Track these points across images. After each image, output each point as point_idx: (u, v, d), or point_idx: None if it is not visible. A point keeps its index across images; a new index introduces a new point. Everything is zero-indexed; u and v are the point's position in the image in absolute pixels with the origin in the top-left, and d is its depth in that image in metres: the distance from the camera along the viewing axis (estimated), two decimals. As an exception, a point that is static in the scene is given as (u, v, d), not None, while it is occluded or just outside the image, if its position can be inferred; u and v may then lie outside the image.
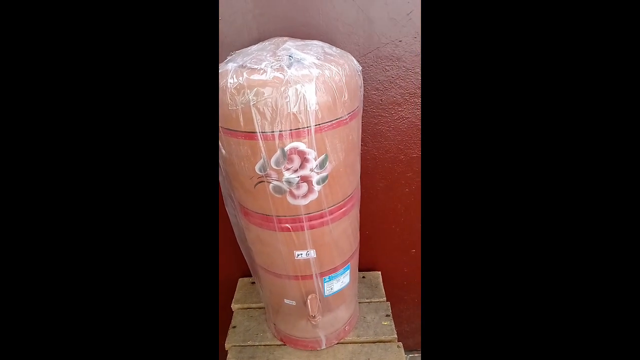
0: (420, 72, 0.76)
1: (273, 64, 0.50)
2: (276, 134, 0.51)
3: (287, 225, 0.61)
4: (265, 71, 0.50)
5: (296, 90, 0.49)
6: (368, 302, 0.90)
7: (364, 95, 0.76)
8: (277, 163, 0.54)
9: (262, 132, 0.51)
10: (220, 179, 0.64)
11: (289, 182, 0.56)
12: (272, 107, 0.49)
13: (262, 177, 0.56)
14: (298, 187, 0.56)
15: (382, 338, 0.81)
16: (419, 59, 0.74)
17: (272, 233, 0.62)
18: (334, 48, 0.58)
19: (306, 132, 0.52)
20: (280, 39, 0.57)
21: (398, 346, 0.80)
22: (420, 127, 0.82)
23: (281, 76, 0.49)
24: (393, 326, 0.84)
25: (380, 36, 0.72)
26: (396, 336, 0.82)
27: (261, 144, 0.52)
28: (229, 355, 0.79)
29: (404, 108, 0.80)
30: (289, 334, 0.79)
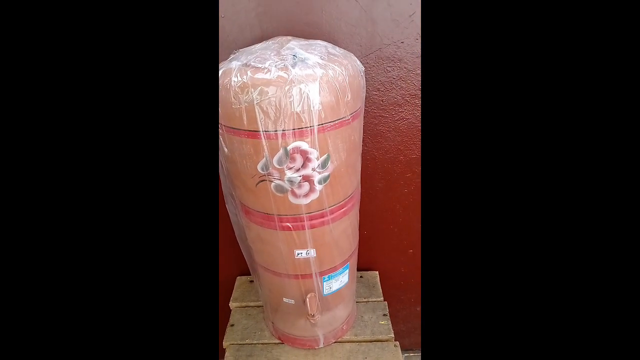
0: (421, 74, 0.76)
1: (277, 63, 0.51)
2: (279, 133, 0.51)
3: (288, 224, 0.61)
4: (269, 70, 0.50)
5: (300, 89, 0.49)
6: (366, 302, 0.91)
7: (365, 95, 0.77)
8: (280, 162, 0.54)
9: (265, 131, 0.51)
10: (222, 177, 0.64)
11: (290, 181, 0.56)
12: (276, 106, 0.49)
13: (264, 176, 0.56)
14: (300, 186, 0.57)
15: (380, 337, 0.82)
16: (420, 60, 0.75)
17: (272, 232, 0.62)
18: (337, 48, 0.58)
19: (309, 131, 0.52)
20: (284, 38, 0.57)
21: (395, 345, 0.80)
22: (420, 128, 0.82)
23: (285, 75, 0.49)
24: (390, 325, 0.84)
25: (382, 37, 0.72)
26: (393, 335, 0.82)
27: (264, 143, 0.52)
28: (226, 354, 0.79)
29: (405, 109, 0.80)
30: (287, 333, 0.79)
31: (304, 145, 0.53)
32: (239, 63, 0.52)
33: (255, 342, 0.81)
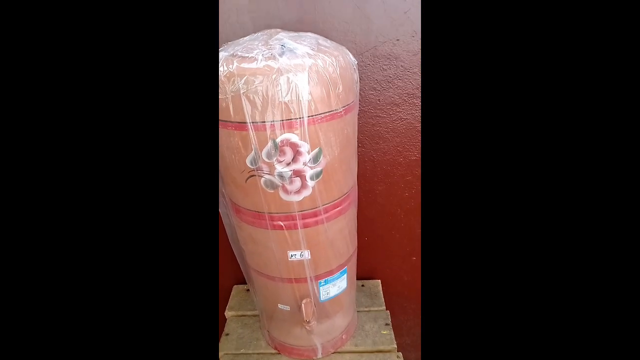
0: (418, 72, 0.74)
1: (265, 53, 0.49)
2: (267, 124, 0.49)
3: (280, 222, 0.58)
4: (256, 59, 0.48)
5: (288, 78, 0.48)
6: (367, 311, 0.87)
7: (361, 94, 0.76)
8: (269, 155, 0.52)
9: (252, 122, 0.49)
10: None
11: (281, 176, 0.54)
12: (263, 95, 0.48)
13: (253, 170, 0.54)
14: (291, 181, 0.54)
15: (381, 348, 0.78)
16: (417, 58, 0.73)
17: (264, 231, 0.60)
18: (329, 41, 0.57)
19: (298, 123, 0.50)
20: (273, 30, 0.56)
21: (398, 356, 0.76)
22: (419, 128, 0.80)
23: (273, 64, 0.48)
24: (392, 335, 0.80)
25: (377, 34, 0.71)
26: (396, 346, 0.78)
27: (252, 135, 0.50)
28: (220, 364, 0.75)
29: (403, 109, 0.79)
30: (284, 342, 0.76)
31: (293, 137, 0.51)
32: (226, 54, 0.51)
33: (250, 351, 0.78)
